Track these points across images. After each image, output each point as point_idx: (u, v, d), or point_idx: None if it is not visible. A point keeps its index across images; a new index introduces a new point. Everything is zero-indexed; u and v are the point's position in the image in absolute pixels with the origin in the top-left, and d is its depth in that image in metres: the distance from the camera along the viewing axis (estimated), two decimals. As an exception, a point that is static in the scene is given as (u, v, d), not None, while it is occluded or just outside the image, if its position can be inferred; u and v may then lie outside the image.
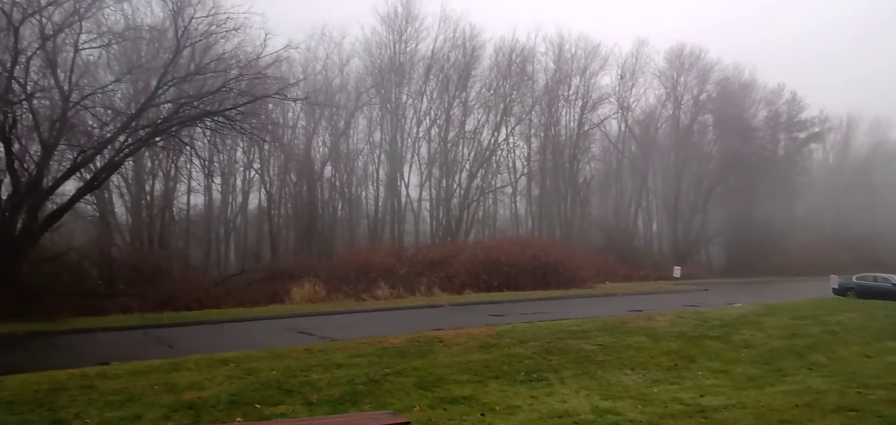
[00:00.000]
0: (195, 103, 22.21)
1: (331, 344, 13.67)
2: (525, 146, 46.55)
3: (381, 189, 41.24)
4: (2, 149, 20.35)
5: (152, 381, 9.83)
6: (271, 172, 36.56)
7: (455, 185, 41.63)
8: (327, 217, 38.50)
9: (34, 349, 15.21)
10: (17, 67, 19.63)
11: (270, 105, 26.74)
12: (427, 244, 37.08)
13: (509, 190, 46.54)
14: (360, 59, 40.40)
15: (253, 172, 36.10)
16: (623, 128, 50.45)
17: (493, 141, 43.46)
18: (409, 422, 6.66)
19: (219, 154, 30.58)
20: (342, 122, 39.10)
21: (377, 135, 41.31)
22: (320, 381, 9.80)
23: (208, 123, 23.42)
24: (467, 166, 42.32)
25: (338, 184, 39.29)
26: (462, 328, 15.61)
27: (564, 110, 47.38)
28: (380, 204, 41.00)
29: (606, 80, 49.40)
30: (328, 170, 39.16)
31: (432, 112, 42.06)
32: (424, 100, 41.71)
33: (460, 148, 42.63)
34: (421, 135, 41.99)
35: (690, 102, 50.59)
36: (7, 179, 20.73)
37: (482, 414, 8.12)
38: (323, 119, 38.39)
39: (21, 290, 19.79)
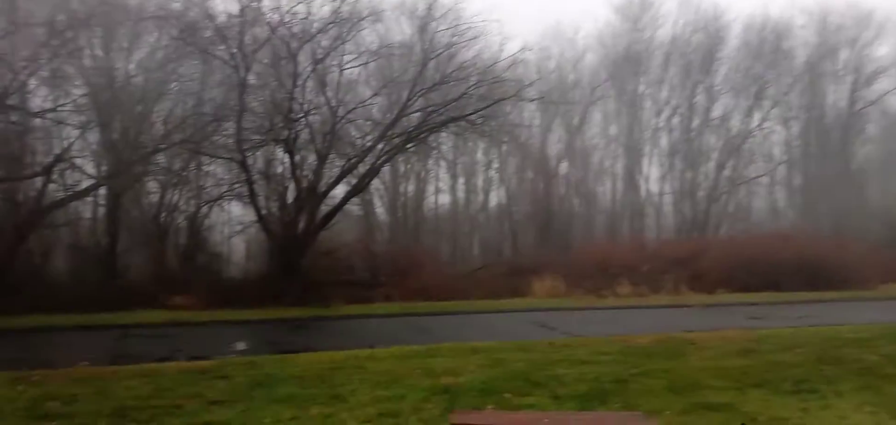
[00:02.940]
0: (441, 111, 23.82)
1: (574, 339, 13.73)
2: (783, 131, 41.82)
3: (619, 183, 40.20)
4: (288, 159, 23.91)
5: (413, 365, 10.78)
6: (509, 171, 37.71)
7: (701, 177, 38.98)
8: (564, 213, 38.55)
9: (315, 331, 17.52)
10: (296, 89, 22.84)
11: (508, 107, 27.56)
12: (670, 240, 35.27)
13: (766, 180, 42.16)
14: (593, 53, 39.84)
15: (492, 171, 37.60)
16: (907, 104, 42.78)
17: (744, 127, 39.83)
18: (661, 425, 6.48)
19: (462, 156, 32.37)
20: (576, 118, 38.90)
21: (613, 129, 40.36)
22: (566, 376, 9.90)
23: (452, 128, 24.99)
24: (715, 156, 39.34)
25: (573, 179, 39.19)
26: (715, 330, 14.62)
27: (831, 88, 41.63)
28: (618, 198, 40.00)
29: (883, 50, 42.24)
30: (564, 166, 39.27)
31: (673, 101, 39.85)
32: (664, 88, 39.69)
33: (706, 137, 39.76)
34: (660, 125, 40.04)
35: None
36: (292, 186, 24.27)
37: None
38: (557, 116, 38.53)
39: (304, 280, 23.06)
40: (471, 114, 23.88)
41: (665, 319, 18.01)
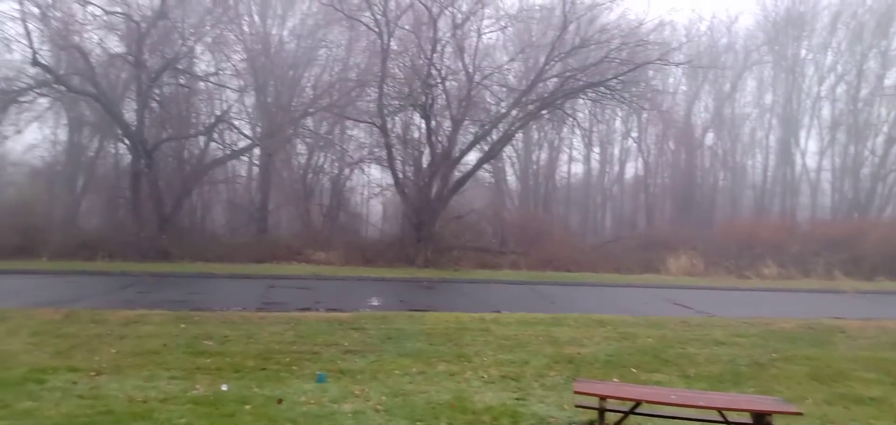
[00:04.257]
0: (579, 76, 23.26)
1: (709, 319, 13.11)
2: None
3: (771, 156, 37.20)
4: (424, 125, 24.51)
5: (537, 332, 10.83)
6: (649, 141, 36.13)
7: (867, 152, 35.19)
8: (707, 187, 36.45)
9: (444, 292, 18.00)
10: (435, 54, 23.23)
11: (651, 72, 26.34)
12: (826, 219, 32.31)
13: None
14: (750, 15, 37.02)
15: (630, 141, 36.23)
16: None
17: (923, 97, 35.31)
18: (801, 413, 6.07)
19: (598, 124, 31.44)
20: (727, 85, 36.36)
21: (768, 98, 37.22)
22: (698, 356, 9.53)
23: (590, 94, 24.33)
24: (885, 129, 35.32)
25: (720, 151, 36.77)
26: (871, 319, 13.36)
27: None
28: (769, 173, 37.08)
29: None
30: (710, 137, 36.98)
31: (839, 67, 36.08)
32: (829, 53, 35.94)
33: (875, 108, 35.71)
34: (823, 94, 36.44)
35: None
36: (427, 151, 24.88)
37: (898, 423, 6.90)
38: (706, 83, 36.26)
39: (435, 243, 23.72)
40: (611, 79, 23.13)
41: (814, 304, 16.66)
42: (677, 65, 27.11)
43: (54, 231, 22.65)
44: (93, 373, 7.49)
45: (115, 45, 24.16)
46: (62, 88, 23.01)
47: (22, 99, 22.21)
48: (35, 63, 21.54)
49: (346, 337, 10.04)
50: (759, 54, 35.98)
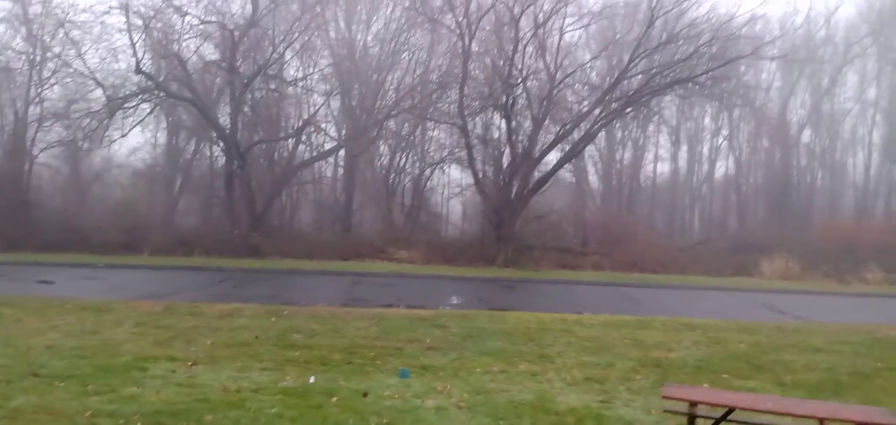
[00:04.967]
0: (665, 72, 22.56)
1: (806, 325, 12.41)
2: None
3: (874, 154, 34.77)
4: (504, 125, 24.44)
5: (622, 335, 10.57)
6: (740, 139, 34.56)
7: (982, 149, 32.31)
8: (803, 186, 34.48)
9: (524, 292, 17.89)
10: (516, 54, 23.12)
11: (742, 67, 25.22)
12: (940, 222, 29.95)
13: None
14: (852, 5, 34.64)
15: (721, 139, 34.75)
16: None
17: None
18: (912, 428, 5.63)
19: (686, 122, 30.40)
20: (826, 80, 34.27)
21: (872, 92, 34.83)
22: (795, 363, 9.04)
23: (678, 91, 23.55)
24: None
25: (817, 149, 34.69)
26: None
27: None
28: (872, 172, 34.67)
29: None
30: (806, 134, 34.96)
31: (952, 58, 33.33)
32: (940, 44, 33.32)
33: None
34: (932, 87, 33.78)
35: None
36: (507, 151, 24.80)
37: None
38: (802, 78, 34.28)
39: (515, 242, 23.59)
40: (700, 75, 22.29)
41: (927, 313, 15.45)
42: (771, 59, 25.91)
43: (154, 229, 24.10)
44: (190, 363, 7.89)
45: (210, 53, 25.54)
46: (162, 94, 24.45)
47: (127, 105, 23.74)
48: (138, 71, 23.00)
49: (428, 334, 10.14)
50: (862, 47, 33.66)
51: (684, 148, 34.80)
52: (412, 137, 28.09)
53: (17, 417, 5.85)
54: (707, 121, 33.69)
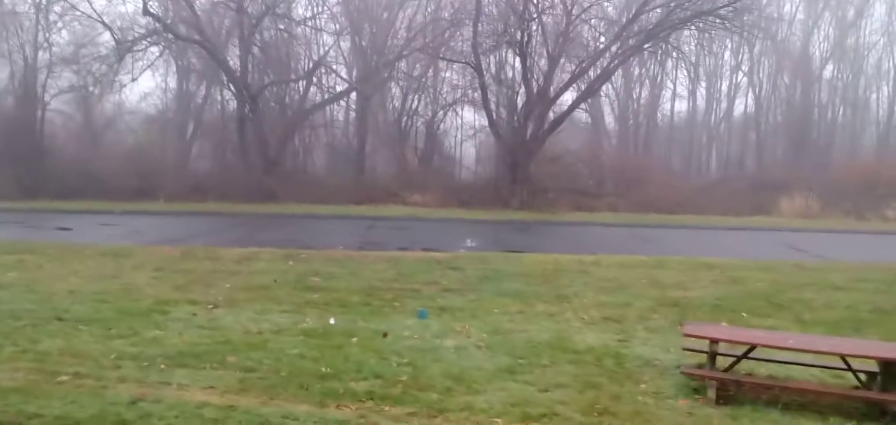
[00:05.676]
0: (685, 5, 21.92)
1: (827, 263, 12.29)
2: None
3: (900, 90, 33.97)
4: (519, 64, 24.01)
5: (639, 275, 10.51)
6: (760, 75, 33.83)
7: None
8: (824, 123, 33.82)
9: (540, 234, 17.83)
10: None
11: (765, -1, 24.52)
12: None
13: None
14: (882, -69, 33.23)
15: (740, 75, 34.02)
16: None
17: None
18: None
19: (706, 57, 29.73)
20: (851, 11, 33.25)
21: (899, 23, 33.82)
22: (815, 301, 8.96)
23: (698, 24, 22.92)
24: None
25: (840, 85, 33.91)
26: None
27: None
28: (896, 108, 33.96)
29: None
30: (829, 69, 34.12)
31: (985, -13, 32.13)
32: (973, -28, 32.10)
33: None
34: (967, 17, 32.68)
35: None
36: (522, 90, 24.43)
37: None
38: (826, 10, 33.33)
39: (530, 185, 23.46)
40: (721, 7, 21.64)
41: (949, 250, 15.25)
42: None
43: (168, 174, 24.22)
44: (210, 306, 7.95)
45: (218, -8, 25.10)
46: (170, 36, 24.19)
47: (135, 48, 23.56)
48: (145, 12, 22.73)
49: (445, 276, 10.14)
50: (891, -25, 32.50)
51: (703, 85, 34.15)
52: (424, 78, 27.73)
53: (45, 360, 5.94)
54: (727, 56, 32.99)
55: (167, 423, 4.66)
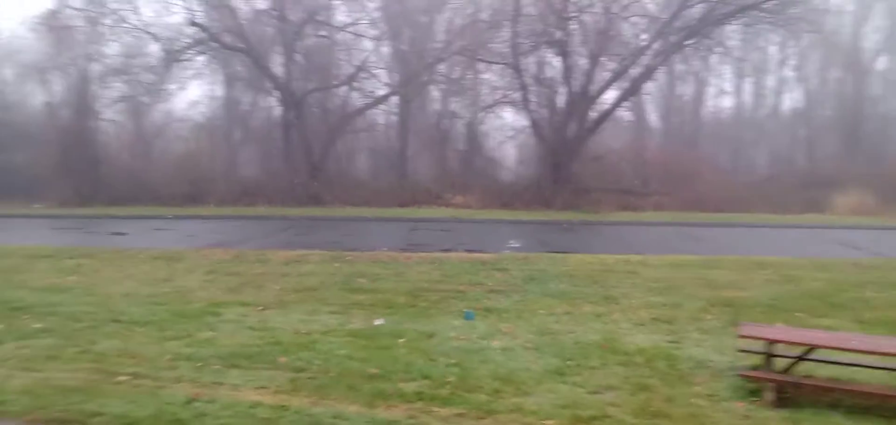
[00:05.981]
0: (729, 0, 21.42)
1: (886, 261, 11.84)
2: None
3: (959, 81, 32.52)
4: (559, 63, 23.80)
5: (689, 275, 10.30)
6: (809, 69, 32.78)
7: None
8: (878, 117, 32.60)
9: (585, 235, 17.62)
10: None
11: (812, -9, 23.70)
12: None
13: None
14: (937, -84, 31.87)
15: (788, 70, 33.04)
16: None
17: None
18: None
19: (751, 52, 28.91)
20: (906, 1, 32.00)
21: (958, 13, 32.40)
22: (875, 300, 8.64)
23: (742, 19, 22.36)
24: None
25: (893, 77, 32.66)
26: None
27: None
28: (956, 100, 32.49)
29: None
30: (881, 61, 32.86)
31: None
32: None
33: None
34: None
35: None
36: (563, 90, 24.19)
37: None
38: (878, 1, 32.14)
39: (573, 185, 23.21)
40: (765, 1, 21.05)
41: None
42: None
43: (218, 180, 24.76)
44: (260, 308, 8.10)
45: (261, 2, 25.63)
46: (216, 45, 24.80)
47: (182, 57, 24.24)
48: (192, 23, 23.35)
49: (490, 277, 10.11)
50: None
51: (749, 80, 33.29)
52: (464, 80, 27.70)
53: (104, 360, 6.13)
54: (773, 51, 32.04)
55: (222, 423, 4.76)
